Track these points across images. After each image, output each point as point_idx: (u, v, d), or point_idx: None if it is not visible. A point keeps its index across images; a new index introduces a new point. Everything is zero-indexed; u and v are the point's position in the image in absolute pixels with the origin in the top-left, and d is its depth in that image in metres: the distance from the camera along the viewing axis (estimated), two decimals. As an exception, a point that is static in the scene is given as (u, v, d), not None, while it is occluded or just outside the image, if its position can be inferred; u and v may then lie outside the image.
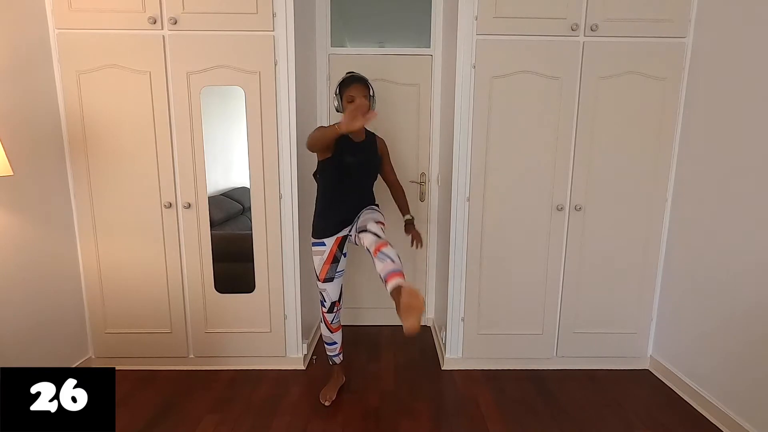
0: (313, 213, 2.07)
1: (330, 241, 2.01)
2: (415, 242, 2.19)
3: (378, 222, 1.85)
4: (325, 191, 2.03)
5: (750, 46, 1.87)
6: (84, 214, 2.26)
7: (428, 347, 2.74)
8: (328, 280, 2.05)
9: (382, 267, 1.67)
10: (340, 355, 2.22)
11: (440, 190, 2.80)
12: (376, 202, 2.11)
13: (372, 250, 1.72)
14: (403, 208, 2.21)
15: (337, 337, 2.17)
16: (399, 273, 1.64)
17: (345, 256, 2.07)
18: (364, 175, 2.04)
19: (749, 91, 1.87)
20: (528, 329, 2.43)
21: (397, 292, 1.60)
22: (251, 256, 2.33)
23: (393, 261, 1.67)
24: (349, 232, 2.01)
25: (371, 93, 1.96)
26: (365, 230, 1.80)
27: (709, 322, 2.06)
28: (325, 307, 2.10)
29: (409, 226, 2.19)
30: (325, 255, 2.02)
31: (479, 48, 2.17)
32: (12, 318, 1.94)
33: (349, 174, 1.97)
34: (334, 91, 2.02)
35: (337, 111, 2.02)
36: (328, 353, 2.20)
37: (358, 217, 1.96)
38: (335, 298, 2.09)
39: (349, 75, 1.99)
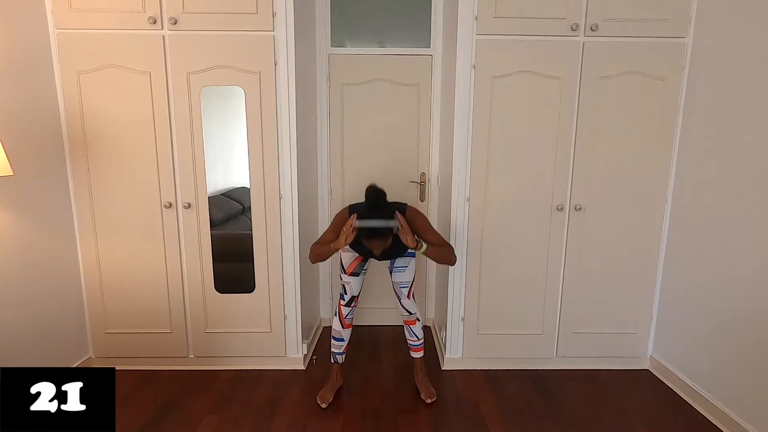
0: None
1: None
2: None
3: (411, 286, 2.11)
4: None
5: (750, 45, 1.87)
6: (84, 214, 2.26)
7: (428, 347, 2.73)
8: (355, 274, 2.08)
9: (407, 337, 2.21)
10: (344, 355, 2.21)
11: (440, 190, 2.80)
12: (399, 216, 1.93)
13: (403, 319, 2.18)
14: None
15: (347, 334, 2.17)
16: (420, 348, 2.21)
17: None
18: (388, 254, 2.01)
19: (749, 91, 1.87)
20: (528, 329, 2.43)
21: (417, 363, 2.23)
22: (251, 256, 2.33)
23: (418, 338, 2.19)
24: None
25: (394, 230, 1.83)
26: (399, 298, 2.13)
27: (710, 322, 2.06)
28: (344, 300, 2.11)
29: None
30: (356, 254, 2.07)
31: (479, 48, 2.17)
32: (12, 318, 1.94)
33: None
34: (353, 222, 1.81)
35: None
36: (333, 350, 2.19)
37: (394, 264, 2.08)
38: (356, 293, 2.11)
39: (365, 229, 1.79)
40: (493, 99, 2.21)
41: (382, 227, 1.78)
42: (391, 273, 2.11)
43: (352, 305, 2.13)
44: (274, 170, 2.25)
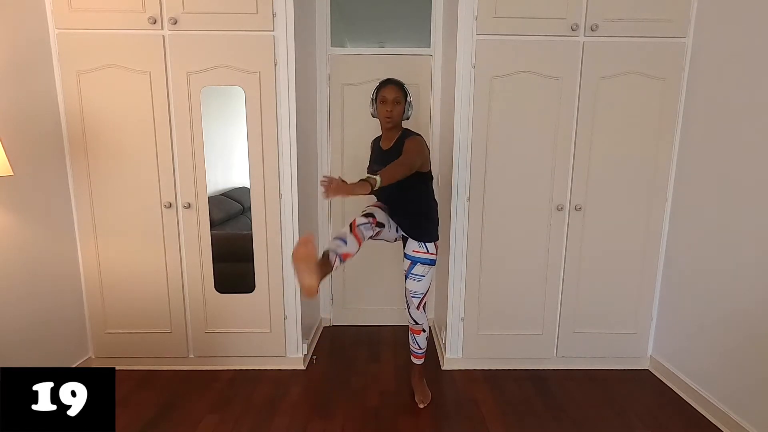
0: None
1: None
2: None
3: (423, 298, 2.04)
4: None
5: (750, 46, 1.87)
6: (84, 214, 2.26)
7: (428, 347, 2.72)
8: (380, 221, 1.84)
9: (410, 343, 2.16)
10: (340, 260, 1.71)
11: (440, 190, 2.80)
12: (424, 220, 2.00)
13: (409, 326, 2.13)
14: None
15: (352, 243, 1.72)
16: (422, 356, 2.16)
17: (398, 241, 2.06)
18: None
19: (749, 91, 1.87)
20: (528, 329, 2.43)
21: (416, 367, 2.18)
22: (251, 256, 2.33)
23: (420, 347, 2.14)
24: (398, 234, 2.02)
25: (407, 98, 1.93)
26: (408, 306, 2.09)
27: (709, 321, 2.06)
28: (360, 215, 1.82)
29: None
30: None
31: (479, 48, 2.17)
32: (12, 318, 1.94)
33: None
34: (371, 97, 1.98)
35: (373, 116, 2.00)
36: (330, 247, 1.71)
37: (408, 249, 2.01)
38: (378, 218, 1.83)
39: (385, 78, 1.96)
40: (493, 99, 2.21)
41: (396, 79, 1.95)
42: (406, 278, 2.02)
43: (369, 220, 1.79)
44: (274, 170, 2.25)
